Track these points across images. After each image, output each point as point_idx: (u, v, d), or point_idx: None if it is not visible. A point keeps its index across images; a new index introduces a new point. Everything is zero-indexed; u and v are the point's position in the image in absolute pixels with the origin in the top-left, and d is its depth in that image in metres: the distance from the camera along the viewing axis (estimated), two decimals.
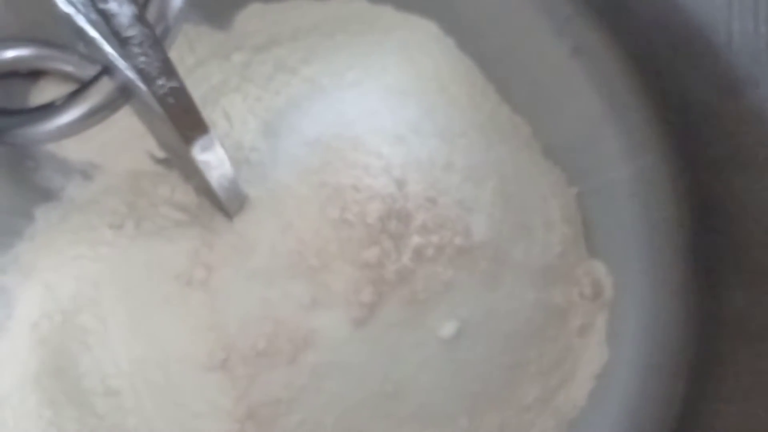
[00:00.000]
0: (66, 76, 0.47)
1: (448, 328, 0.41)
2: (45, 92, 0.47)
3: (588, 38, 0.48)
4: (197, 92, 0.47)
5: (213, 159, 0.35)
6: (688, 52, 0.40)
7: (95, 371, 0.41)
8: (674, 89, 0.42)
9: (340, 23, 0.51)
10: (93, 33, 0.25)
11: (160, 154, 0.46)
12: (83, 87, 0.37)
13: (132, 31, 0.24)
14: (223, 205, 0.41)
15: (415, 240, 0.40)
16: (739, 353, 0.38)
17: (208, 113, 0.46)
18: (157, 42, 0.25)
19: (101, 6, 0.22)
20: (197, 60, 0.49)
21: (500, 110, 0.49)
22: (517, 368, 0.43)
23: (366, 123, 0.43)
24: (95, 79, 0.36)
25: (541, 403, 0.43)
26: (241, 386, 0.41)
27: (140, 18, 0.23)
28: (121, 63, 0.27)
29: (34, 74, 0.47)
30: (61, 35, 0.44)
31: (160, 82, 0.27)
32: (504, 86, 0.49)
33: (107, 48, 0.26)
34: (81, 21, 0.25)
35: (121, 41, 0.24)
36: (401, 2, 0.50)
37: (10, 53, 0.45)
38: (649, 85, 0.45)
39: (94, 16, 0.23)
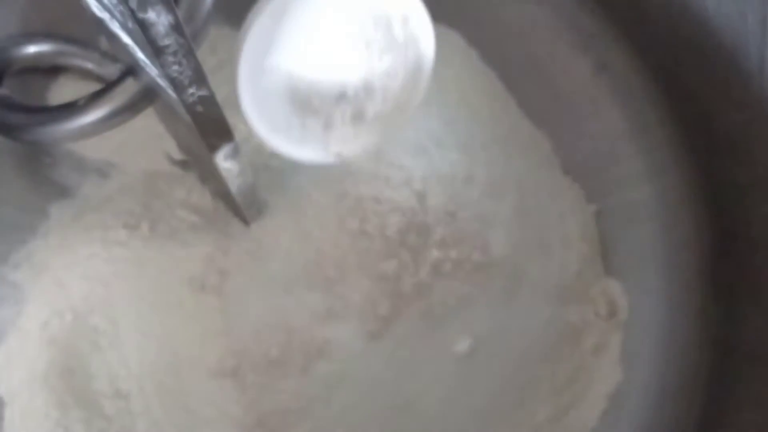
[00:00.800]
0: (86, 74, 0.47)
1: (462, 344, 0.41)
2: (64, 89, 0.47)
3: (613, 55, 0.47)
4: (218, 95, 0.47)
5: (236, 167, 0.35)
6: (717, 75, 0.39)
7: (105, 373, 0.41)
8: (700, 112, 0.42)
9: None
10: (126, 39, 0.25)
11: (178, 155, 0.45)
12: (106, 88, 0.37)
13: (168, 41, 0.23)
14: (241, 211, 0.41)
15: (434, 254, 0.40)
16: (756, 382, 0.38)
17: (228, 116, 0.46)
18: (191, 51, 0.25)
19: (140, 15, 0.21)
20: (218, 62, 0.49)
21: (521, 124, 0.48)
22: (530, 386, 0.42)
23: (387, 134, 0.43)
24: (119, 80, 0.36)
25: (553, 421, 0.43)
26: (251, 394, 0.40)
27: (177, 27, 0.23)
28: (152, 70, 0.27)
29: (54, 70, 0.47)
30: (83, 32, 0.44)
31: (191, 90, 0.27)
32: (526, 100, 0.49)
33: (140, 54, 0.26)
34: (115, 27, 0.25)
35: (156, 50, 0.24)
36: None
37: (32, 48, 0.45)
38: (673, 106, 0.44)
39: (131, 24, 0.22)
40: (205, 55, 0.49)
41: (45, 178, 0.46)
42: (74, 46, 0.45)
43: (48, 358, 0.42)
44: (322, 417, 0.40)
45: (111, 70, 0.44)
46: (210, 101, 0.28)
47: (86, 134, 0.38)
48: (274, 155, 0.44)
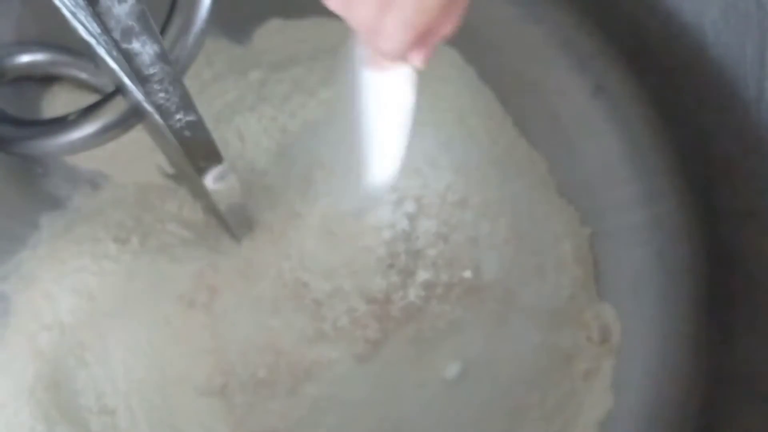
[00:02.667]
0: (80, 84, 0.46)
1: (452, 369, 0.41)
2: (58, 98, 0.47)
3: (610, 78, 0.47)
4: (212, 108, 0.47)
5: (225, 188, 0.34)
6: (715, 103, 0.39)
7: (91, 388, 0.41)
8: (697, 139, 0.41)
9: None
10: (113, 65, 0.25)
11: (170, 168, 0.45)
12: (98, 103, 0.36)
13: (153, 69, 0.23)
14: (231, 228, 0.40)
15: (424, 276, 0.40)
16: (748, 414, 0.37)
17: (221, 131, 0.45)
18: (177, 79, 0.25)
19: (124, 46, 0.21)
20: (214, 74, 0.49)
21: (517, 144, 0.48)
22: (519, 412, 0.42)
23: None
24: (110, 96, 0.36)
25: None
26: (238, 414, 0.40)
27: (162, 56, 0.23)
28: (138, 96, 0.26)
29: (48, 80, 0.47)
30: (77, 42, 0.43)
31: (177, 116, 0.26)
32: (522, 120, 0.48)
33: (125, 80, 0.26)
34: (101, 51, 0.24)
35: (141, 79, 0.23)
36: None
37: (26, 58, 0.44)
38: (671, 132, 0.44)
39: (115, 53, 0.22)
40: (201, 67, 0.49)
41: (36, 189, 0.45)
42: (68, 56, 0.45)
43: (34, 371, 0.41)
44: None
45: (105, 81, 0.44)
46: (197, 126, 0.28)
47: (76, 149, 0.38)
48: (267, 173, 0.44)
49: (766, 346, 0.37)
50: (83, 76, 0.46)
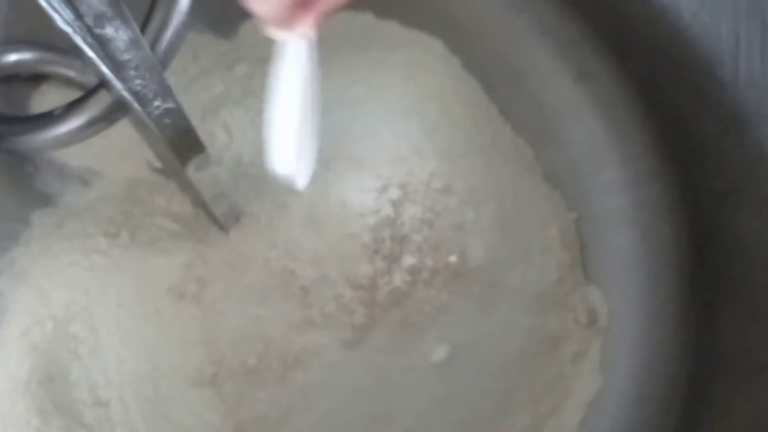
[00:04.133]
0: (68, 81, 0.47)
1: (439, 353, 0.41)
2: (46, 96, 0.47)
3: (593, 63, 0.47)
4: (199, 103, 0.47)
5: (208, 177, 0.35)
6: (694, 85, 0.39)
7: (84, 381, 0.41)
8: (678, 120, 0.42)
9: (346, 38, 0.50)
10: (90, 53, 0.25)
11: (158, 163, 0.45)
12: (82, 98, 0.37)
13: (128, 55, 0.23)
14: (218, 220, 0.41)
15: (409, 261, 0.40)
16: (732, 391, 0.38)
17: (208, 125, 0.46)
18: (154, 65, 0.25)
19: (97, 31, 0.22)
20: (201, 69, 0.49)
21: (503, 132, 0.48)
22: (508, 395, 0.42)
23: (366, 142, 0.43)
24: (94, 90, 0.36)
25: (531, 430, 0.43)
26: (229, 402, 0.41)
27: (136, 42, 0.23)
28: (117, 84, 0.27)
29: (36, 78, 0.47)
30: (65, 40, 0.44)
31: (156, 103, 0.27)
32: (507, 108, 0.49)
33: (104, 68, 0.26)
34: (78, 41, 0.25)
35: (116, 65, 0.24)
36: (409, 18, 0.50)
37: (13, 57, 0.45)
38: (652, 114, 0.44)
39: (90, 39, 0.22)
40: (188, 62, 0.49)
41: (27, 187, 0.46)
42: (56, 54, 0.45)
43: (29, 365, 0.42)
44: (300, 425, 0.41)
45: (92, 78, 0.45)
46: (177, 113, 0.29)
47: (63, 144, 0.39)
48: (253, 164, 0.45)
49: (745, 322, 0.38)
50: (71, 73, 0.46)
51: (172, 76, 0.48)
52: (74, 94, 0.47)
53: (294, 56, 0.29)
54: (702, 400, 0.39)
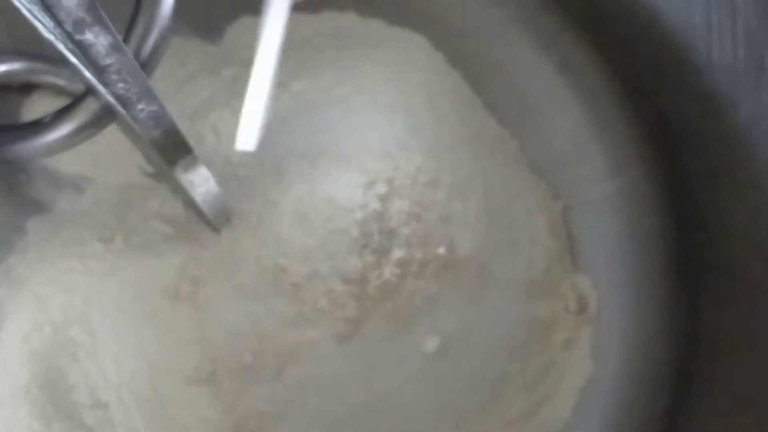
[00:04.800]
0: (58, 90, 0.47)
1: (431, 343, 0.41)
2: (37, 106, 0.48)
3: (575, 54, 0.48)
4: (187, 107, 0.48)
5: (196, 178, 0.35)
6: (670, 71, 0.40)
7: (84, 384, 0.42)
8: (657, 107, 0.43)
9: (331, 37, 0.51)
10: (73, 60, 0.26)
11: (150, 168, 0.46)
12: (70, 105, 0.37)
13: (109, 60, 0.24)
14: (208, 219, 0.41)
15: (398, 254, 0.41)
16: (717, 369, 0.39)
17: (197, 128, 0.47)
18: (136, 68, 0.26)
19: (77, 37, 0.22)
20: (188, 74, 0.50)
21: (488, 125, 0.49)
22: (501, 382, 0.43)
23: (353, 139, 0.44)
24: (82, 97, 0.37)
25: (525, 417, 0.43)
26: (227, 400, 0.41)
27: (117, 47, 0.24)
28: (101, 88, 0.27)
29: (26, 88, 0.48)
30: (53, 50, 0.44)
31: (140, 106, 0.28)
32: (492, 101, 0.49)
33: (87, 74, 0.27)
34: (61, 48, 0.26)
35: (98, 69, 0.24)
36: (392, 16, 0.51)
37: (2, 67, 0.45)
38: (633, 102, 0.45)
39: (71, 45, 0.23)
40: (174, 67, 0.50)
41: (21, 196, 0.46)
42: (45, 64, 0.46)
43: (29, 371, 0.43)
44: (296, 420, 0.41)
45: (81, 86, 0.45)
46: (161, 115, 0.29)
47: (54, 150, 0.39)
48: (243, 164, 0.45)
49: (728, 305, 0.39)
50: (61, 82, 0.47)
51: (159, 82, 0.48)
52: (64, 103, 0.48)
53: (276, 17, 0.30)
54: (687, 380, 0.40)
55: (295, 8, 0.33)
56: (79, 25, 0.22)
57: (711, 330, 0.40)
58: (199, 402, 0.41)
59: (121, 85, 0.26)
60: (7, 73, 0.46)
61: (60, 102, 0.48)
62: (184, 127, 0.36)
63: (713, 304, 0.40)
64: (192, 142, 0.36)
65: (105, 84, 0.25)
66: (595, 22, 0.46)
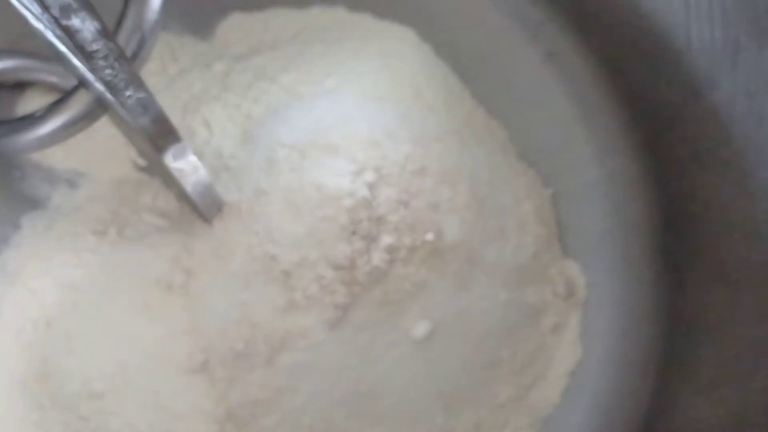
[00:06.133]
0: (51, 87, 0.48)
1: (420, 329, 0.42)
2: (31, 103, 0.48)
3: (561, 43, 0.49)
4: (179, 101, 0.48)
5: (186, 166, 0.36)
6: (652, 56, 0.41)
7: (78, 375, 0.42)
8: (641, 93, 0.43)
9: (320, 32, 0.52)
10: (62, 48, 0.26)
11: (143, 162, 0.47)
12: (62, 98, 0.38)
13: (96, 46, 0.25)
14: (199, 210, 0.42)
15: (387, 240, 0.41)
16: (701, 347, 0.39)
17: (188, 121, 0.47)
18: (123, 55, 0.26)
19: (64, 22, 0.23)
20: (180, 69, 0.50)
21: (476, 114, 0.50)
22: (491, 367, 0.43)
23: (341, 129, 0.44)
24: (74, 90, 0.37)
25: (515, 401, 0.44)
26: (220, 388, 0.42)
27: (104, 32, 0.24)
28: (89, 76, 0.28)
29: (19, 85, 0.48)
30: (45, 47, 0.45)
31: (128, 93, 0.28)
32: (480, 91, 0.50)
33: (76, 62, 0.27)
34: (50, 36, 0.26)
35: (86, 55, 0.25)
36: (380, 10, 0.51)
37: None
38: (618, 89, 0.46)
39: (58, 31, 0.24)
40: (166, 63, 0.51)
41: (15, 191, 0.47)
42: (37, 61, 0.47)
43: (25, 363, 0.43)
44: (289, 406, 0.42)
45: (74, 83, 0.46)
46: (149, 102, 0.30)
47: (46, 143, 0.40)
48: (233, 156, 0.46)
49: (712, 285, 0.39)
50: (53, 79, 0.47)
51: (152, 77, 0.49)
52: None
53: None
54: (674, 360, 0.40)
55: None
56: (66, 11, 0.23)
57: (697, 309, 0.41)
58: (192, 391, 0.42)
59: (108, 71, 0.26)
60: (1, 71, 0.46)
61: (53, 98, 0.48)
62: (176, 120, 0.36)
63: (698, 284, 0.41)
64: (184, 135, 0.37)
65: (93, 70, 0.26)
66: (579, 11, 0.46)
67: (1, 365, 0.43)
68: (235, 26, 0.52)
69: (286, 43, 0.51)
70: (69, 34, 0.24)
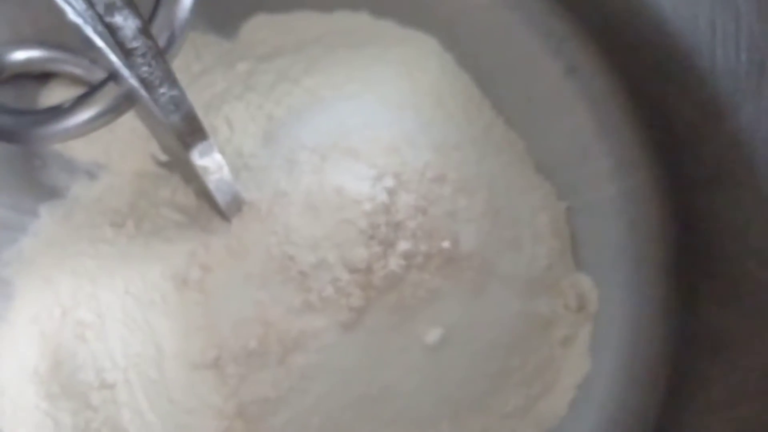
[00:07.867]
0: (75, 79, 0.48)
1: (432, 335, 0.42)
2: (54, 93, 0.49)
3: (582, 58, 0.49)
4: (201, 99, 0.49)
5: (211, 164, 0.36)
6: (675, 75, 0.41)
7: (91, 365, 0.43)
8: (662, 110, 0.43)
9: (343, 36, 0.52)
10: (99, 43, 0.27)
11: (163, 157, 0.47)
12: (90, 91, 0.38)
13: (136, 43, 0.25)
14: (220, 208, 0.42)
15: (404, 246, 0.41)
16: (710, 367, 0.39)
17: (210, 119, 0.48)
18: (160, 53, 0.27)
19: (107, 19, 0.23)
20: (203, 68, 0.51)
21: (495, 125, 0.50)
22: (500, 376, 0.44)
23: (362, 134, 0.45)
24: (102, 84, 0.38)
25: (522, 411, 0.44)
26: (231, 384, 0.42)
27: (144, 30, 0.25)
28: (125, 72, 0.28)
29: (44, 76, 0.49)
30: (72, 39, 0.46)
31: (162, 90, 0.28)
32: (500, 102, 0.50)
33: (112, 57, 0.28)
34: (88, 31, 0.27)
35: (125, 52, 0.25)
36: (404, 17, 0.52)
37: (22, 55, 0.47)
38: (638, 106, 0.46)
39: (100, 28, 0.24)
40: (190, 61, 0.51)
41: (36, 180, 0.47)
42: (64, 53, 0.47)
43: (37, 351, 0.44)
44: (299, 406, 0.42)
45: (98, 75, 0.46)
46: (181, 100, 0.30)
47: (72, 135, 0.40)
48: (254, 155, 0.46)
49: (724, 305, 0.39)
50: (78, 71, 0.48)
51: (176, 74, 0.50)
52: (81, 91, 0.49)
53: None
54: (683, 378, 0.41)
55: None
56: (110, 8, 0.23)
57: (707, 329, 0.41)
58: (203, 386, 0.42)
59: (145, 68, 0.27)
60: (27, 62, 0.47)
61: (76, 91, 0.49)
62: None
63: (710, 304, 0.41)
64: None
65: (130, 67, 0.26)
66: (602, 28, 0.47)
67: (14, 352, 0.44)
68: (259, 27, 0.53)
69: (310, 45, 0.51)
70: (111, 31, 0.24)
